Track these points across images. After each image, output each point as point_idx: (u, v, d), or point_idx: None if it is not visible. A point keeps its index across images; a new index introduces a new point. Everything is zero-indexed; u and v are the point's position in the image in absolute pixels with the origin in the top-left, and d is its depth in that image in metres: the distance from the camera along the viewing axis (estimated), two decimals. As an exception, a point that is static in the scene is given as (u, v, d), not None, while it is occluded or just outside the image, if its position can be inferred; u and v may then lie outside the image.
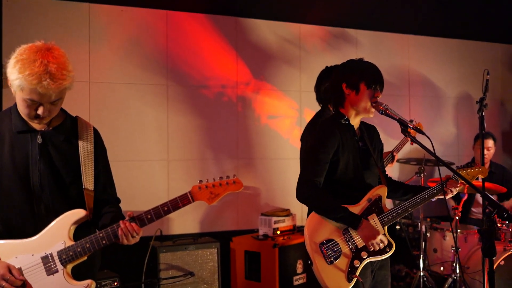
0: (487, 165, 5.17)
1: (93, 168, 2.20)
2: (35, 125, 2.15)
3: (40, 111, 2.04)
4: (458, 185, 2.70)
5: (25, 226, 2.11)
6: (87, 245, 2.09)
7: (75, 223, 2.12)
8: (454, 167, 2.69)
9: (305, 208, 2.67)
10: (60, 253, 2.08)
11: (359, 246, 2.52)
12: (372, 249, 2.50)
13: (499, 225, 4.26)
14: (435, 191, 2.67)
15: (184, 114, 4.78)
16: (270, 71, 5.14)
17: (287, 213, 4.63)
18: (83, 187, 2.17)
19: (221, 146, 4.93)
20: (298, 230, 4.65)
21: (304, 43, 5.28)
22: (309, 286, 4.35)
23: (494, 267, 2.86)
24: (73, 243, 2.10)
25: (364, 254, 2.52)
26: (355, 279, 2.47)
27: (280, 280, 4.20)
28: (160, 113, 4.70)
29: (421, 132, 2.50)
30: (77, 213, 2.13)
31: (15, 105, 2.15)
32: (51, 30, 4.29)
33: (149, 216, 2.13)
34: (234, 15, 4.99)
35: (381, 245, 2.51)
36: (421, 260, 4.60)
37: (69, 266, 2.10)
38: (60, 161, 2.16)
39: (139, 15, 4.64)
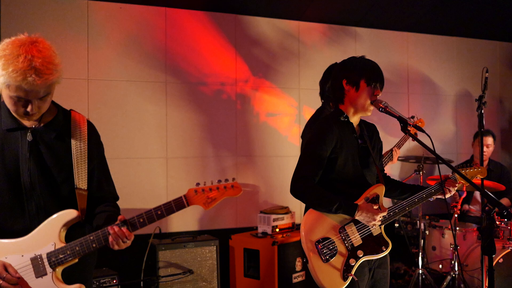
0: (486, 163, 5.17)
1: (86, 166, 2.11)
2: (26, 122, 2.06)
3: (28, 108, 1.95)
4: (457, 184, 2.70)
5: (15, 226, 2.05)
6: (77, 248, 2.00)
7: (66, 224, 2.04)
8: (453, 164, 2.69)
9: (304, 206, 2.67)
10: (49, 255, 2.00)
11: (355, 245, 2.52)
12: (379, 224, 2.50)
13: (497, 222, 4.27)
14: (433, 190, 2.68)
15: (183, 112, 4.78)
16: (269, 69, 5.13)
17: (286, 210, 4.62)
18: (75, 186, 2.08)
19: (220, 143, 4.92)
20: (297, 228, 4.65)
21: (303, 41, 5.28)
22: (308, 284, 4.35)
23: (493, 264, 2.86)
24: (63, 245, 2.02)
25: (360, 253, 2.52)
26: (350, 277, 2.46)
27: (279, 278, 4.20)
28: (159, 110, 4.69)
29: (420, 129, 2.50)
30: (69, 214, 2.04)
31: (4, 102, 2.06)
32: (49, 27, 4.28)
33: (141, 220, 2.01)
34: (233, 12, 4.98)
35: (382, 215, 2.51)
36: (419, 258, 4.60)
37: (59, 269, 2.02)
38: (51, 160, 2.07)
39: (137, 12, 4.62)
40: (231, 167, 4.90)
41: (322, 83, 3.59)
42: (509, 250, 4.06)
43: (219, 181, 2.10)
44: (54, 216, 2.04)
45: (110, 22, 4.52)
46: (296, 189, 2.56)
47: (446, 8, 5.47)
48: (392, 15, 5.49)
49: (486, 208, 2.23)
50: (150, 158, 4.64)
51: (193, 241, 4.19)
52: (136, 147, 4.58)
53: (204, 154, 4.85)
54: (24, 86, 1.87)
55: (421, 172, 4.72)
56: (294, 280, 4.30)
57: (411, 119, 2.50)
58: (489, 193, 2.30)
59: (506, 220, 4.27)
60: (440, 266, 4.68)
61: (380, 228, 2.57)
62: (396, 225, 4.99)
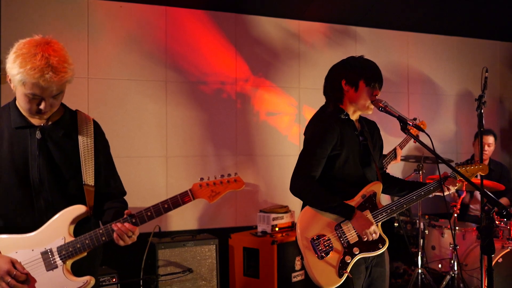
0: (486, 162, 5.17)
1: (93, 162, 2.18)
2: (34, 120, 2.13)
3: (42, 106, 2.03)
4: (457, 183, 2.70)
5: (25, 221, 2.11)
6: (87, 241, 2.08)
7: (75, 219, 2.11)
8: (453, 164, 2.69)
9: (302, 204, 2.67)
10: (59, 249, 2.07)
11: (351, 242, 2.52)
12: (365, 239, 2.50)
13: (497, 222, 4.27)
14: (432, 188, 2.68)
15: (183, 111, 4.78)
16: (269, 68, 5.13)
17: (285, 209, 4.63)
18: (83, 182, 2.15)
19: (220, 142, 4.92)
20: (296, 227, 4.65)
21: (303, 40, 5.28)
22: (307, 283, 4.32)
23: (492, 264, 2.87)
24: (73, 239, 2.09)
25: (356, 250, 2.52)
26: (345, 274, 2.47)
27: (279, 277, 4.20)
28: (159, 109, 4.69)
29: (420, 129, 2.50)
30: (78, 209, 2.11)
31: (14, 100, 2.14)
32: (50, 26, 4.28)
33: (149, 214, 2.10)
34: (233, 11, 4.98)
35: (375, 236, 2.50)
36: (419, 257, 4.60)
37: (69, 262, 2.09)
38: (59, 157, 2.14)
39: (138, 11, 4.62)
40: (231, 166, 4.90)
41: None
42: (508, 249, 4.06)
43: (222, 175, 2.19)
44: (63, 211, 2.11)
45: (110, 21, 4.52)
46: (296, 187, 2.56)
47: (446, 8, 5.47)
48: (393, 14, 5.49)
49: (486, 207, 2.23)
50: (150, 157, 4.64)
51: (193, 240, 4.19)
52: (136, 146, 4.59)
53: (204, 153, 4.85)
54: (41, 83, 1.95)
55: (420, 172, 4.72)
56: (294, 279, 4.31)
57: (413, 121, 2.50)
58: (489, 192, 2.30)
59: (505, 219, 4.27)
60: (440, 265, 4.68)
61: (378, 225, 2.58)
62: (396, 224, 4.99)
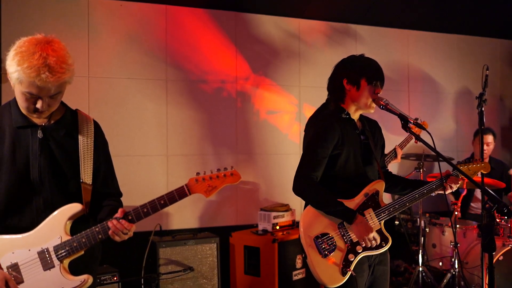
0: (486, 160, 5.17)
1: (92, 161, 2.18)
2: (36, 119, 2.12)
3: (39, 105, 2.01)
4: (459, 182, 2.70)
5: (23, 221, 2.10)
6: (83, 240, 2.07)
7: (71, 217, 2.10)
8: (454, 162, 2.69)
9: (304, 202, 2.67)
10: (56, 248, 2.07)
11: (354, 240, 2.53)
12: (364, 245, 2.50)
13: (498, 220, 4.27)
14: (434, 186, 2.67)
15: (183, 109, 4.78)
16: (269, 66, 5.13)
17: (286, 208, 4.63)
18: (81, 180, 2.15)
19: (220, 141, 4.92)
20: (297, 225, 4.61)
21: (303, 38, 5.27)
22: (308, 281, 4.36)
23: (493, 262, 2.87)
24: (69, 237, 2.08)
25: (359, 248, 2.52)
26: (349, 273, 2.47)
27: (279, 275, 4.21)
28: (159, 108, 4.69)
29: (421, 127, 2.50)
30: (73, 208, 2.10)
31: (15, 99, 2.13)
32: (50, 24, 4.27)
33: (145, 210, 2.09)
34: (233, 9, 4.98)
35: (373, 243, 2.50)
36: (420, 256, 4.61)
37: (66, 261, 2.08)
38: (61, 156, 2.14)
39: (138, 10, 4.62)
40: (232, 164, 4.79)
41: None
42: (509, 247, 4.07)
43: (218, 169, 2.15)
44: (59, 210, 2.10)
45: (110, 20, 4.52)
46: (298, 188, 2.56)
47: (446, 6, 5.46)
48: (393, 12, 5.48)
49: (487, 205, 2.23)
50: (151, 156, 4.64)
51: (194, 238, 4.19)
52: (137, 145, 4.59)
53: (204, 152, 4.85)
54: (37, 82, 1.93)
55: (421, 170, 4.72)
56: (294, 278, 4.31)
57: (414, 119, 2.50)
58: (490, 190, 2.30)
59: (506, 217, 4.27)
60: (440, 263, 4.68)
61: (380, 223, 2.58)
62: (396, 222, 5.00)
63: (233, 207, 4.94)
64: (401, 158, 5.13)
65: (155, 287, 3.91)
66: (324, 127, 2.59)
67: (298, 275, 4.33)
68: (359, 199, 2.59)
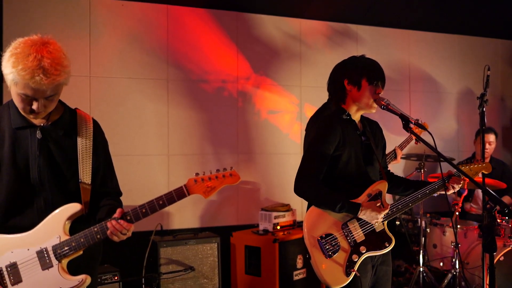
0: (487, 160, 5.17)
1: (91, 161, 2.17)
2: (34, 120, 2.12)
3: (34, 106, 2.00)
4: (461, 182, 2.70)
5: (23, 221, 2.10)
6: (82, 240, 2.06)
7: (70, 217, 2.10)
8: (455, 162, 2.69)
9: (305, 203, 2.67)
10: (55, 248, 2.06)
11: (358, 241, 2.53)
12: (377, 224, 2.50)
13: (499, 220, 4.27)
14: (436, 186, 2.67)
15: (184, 109, 4.78)
16: (270, 66, 5.13)
17: (287, 208, 4.63)
18: (80, 180, 2.15)
19: (221, 141, 4.93)
20: (298, 225, 4.65)
21: (304, 38, 5.27)
22: (309, 281, 4.36)
23: (494, 262, 2.87)
24: (68, 237, 2.07)
25: (363, 249, 2.52)
26: (353, 273, 2.47)
27: (280, 275, 4.21)
28: (160, 107, 4.69)
29: (422, 127, 2.50)
30: (72, 207, 2.10)
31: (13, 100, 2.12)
32: (52, 24, 4.28)
33: (143, 211, 2.08)
34: (235, 9, 4.98)
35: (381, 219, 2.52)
36: (420, 256, 4.61)
37: (64, 261, 2.08)
38: (60, 156, 2.14)
39: (139, 9, 4.62)
40: (232, 164, 4.88)
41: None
42: (510, 248, 4.06)
43: (218, 170, 2.13)
44: (58, 209, 2.09)
45: (112, 19, 4.52)
46: (300, 189, 2.56)
47: (447, 6, 5.46)
48: (394, 13, 5.48)
49: (488, 206, 2.23)
50: (151, 156, 4.65)
51: (195, 238, 4.19)
52: (137, 144, 4.59)
53: (205, 152, 4.85)
54: (31, 84, 1.93)
55: (422, 170, 4.72)
56: (295, 278, 4.31)
57: (415, 120, 2.50)
58: (491, 191, 2.30)
59: (507, 218, 4.27)
60: (441, 264, 4.68)
61: (383, 224, 2.58)
62: (397, 223, 5.00)
63: (234, 207, 4.95)
64: (403, 158, 5.15)
65: (156, 286, 3.91)
66: (325, 128, 2.59)
67: (298, 275, 4.33)
68: (362, 199, 2.59)
